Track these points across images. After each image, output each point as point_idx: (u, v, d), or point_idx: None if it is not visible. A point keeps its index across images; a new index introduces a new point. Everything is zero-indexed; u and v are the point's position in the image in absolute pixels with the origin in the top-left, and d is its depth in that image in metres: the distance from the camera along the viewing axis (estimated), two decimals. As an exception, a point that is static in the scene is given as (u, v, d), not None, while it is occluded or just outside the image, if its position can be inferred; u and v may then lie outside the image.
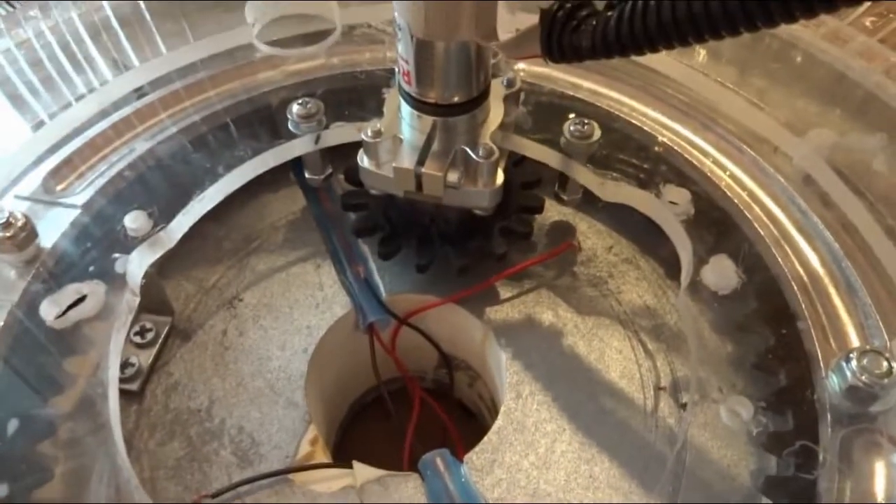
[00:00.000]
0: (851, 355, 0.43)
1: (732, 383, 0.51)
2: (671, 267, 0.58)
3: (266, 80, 0.63)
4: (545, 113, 0.62)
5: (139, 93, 0.63)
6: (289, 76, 0.64)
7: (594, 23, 0.39)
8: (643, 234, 0.61)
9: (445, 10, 0.45)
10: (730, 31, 0.32)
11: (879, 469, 0.42)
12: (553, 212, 0.64)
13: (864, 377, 0.43)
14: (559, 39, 0.41)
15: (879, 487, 0.41)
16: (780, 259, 0.51)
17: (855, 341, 0.47)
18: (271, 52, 0.64)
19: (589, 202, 0.62)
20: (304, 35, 0.66)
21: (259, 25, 0.65)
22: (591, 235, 0.63)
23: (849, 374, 0.43)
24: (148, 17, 0.67)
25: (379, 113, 0.55)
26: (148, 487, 0.47)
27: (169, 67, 0.62)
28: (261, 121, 0.62)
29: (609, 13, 0.38)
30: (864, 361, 0.43)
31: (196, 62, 0.64)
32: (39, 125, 0.59)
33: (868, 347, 0.44)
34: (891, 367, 0.42)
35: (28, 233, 0.49)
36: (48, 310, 0.48)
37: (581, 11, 0.40)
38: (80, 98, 0.61)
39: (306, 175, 0.63)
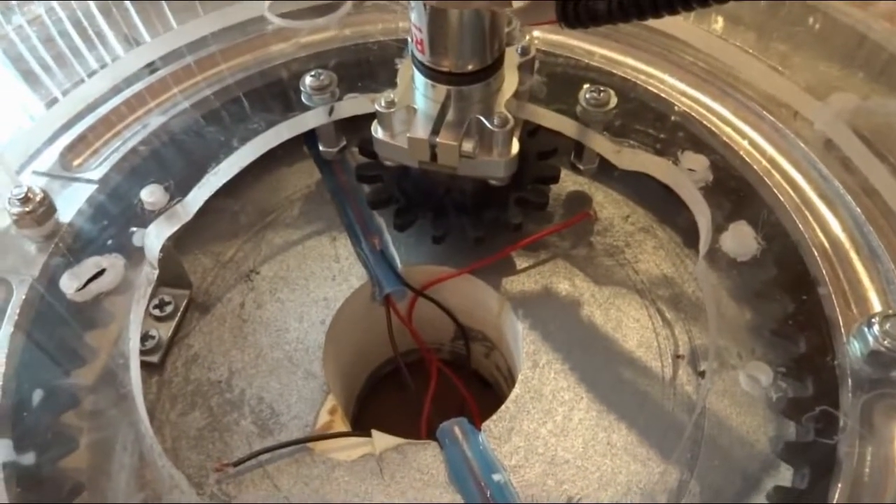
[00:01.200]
0: (873, 320, 0.43)
1: (751, 350, 0.50)
2: (689, 235, 0.58)
3: (278, 53, 0.63)
4: (560, 82, 0.61)
5: (151, 68, 0.63)
6: (301, 48, 0.64)
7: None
8: (660, 202, 0.60)
9: (459, -25, 0.44)
10: None
11: (901, 434, 0.41)
12: (569, 182, 0.63)
13: (886, 342, 0.42)
14: (574, 4, 0.40)
15: (901, 451, 0.41)
16: (800, 225, 0.50)
17: (877, 306, 0.46)
18: (283, 24, 0.63)
19: (605, 171, 0.61)
20: (316, 7, 0.66)
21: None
22: (608, 205, 0.62)
23: (870, 339, 0.43)
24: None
25: (392, 84, 0.54)
26: (171, 456, 0.48)
27: (180, 42, 0.62)
28: (273, 94, 0.62)
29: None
30: (887, 326, 0.42)
31: (207, 36, 0.63)
32: (53, 102, 0.59)
33: (890, 312, 0.43)
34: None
35: (46, 208, 0.49)
36: (68, 283, 0.48)
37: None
38: (92, 74, 0.61)
39: (320, 148, 0.63)
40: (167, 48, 0.62)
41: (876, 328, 0.43)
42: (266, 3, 0.64)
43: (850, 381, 0.43)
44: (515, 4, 0.46)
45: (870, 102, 0.55)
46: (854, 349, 0.44)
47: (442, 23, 0.47)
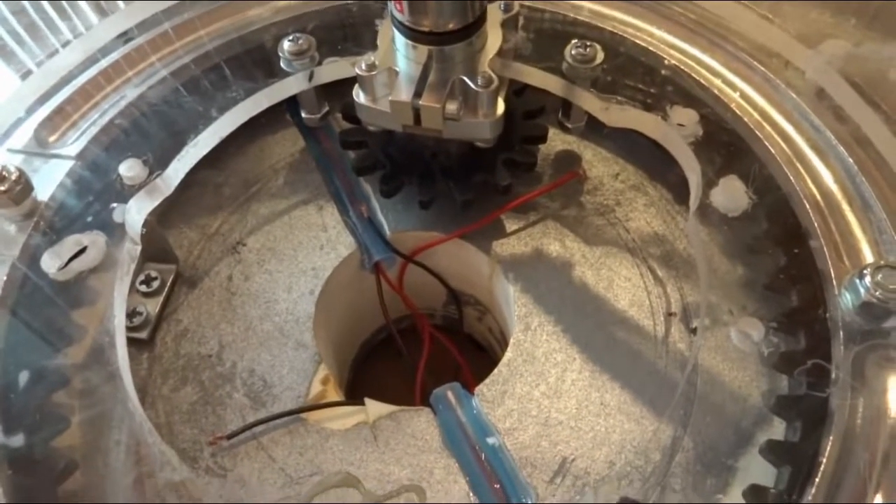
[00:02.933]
0: (865, 271, 0.43)
1: (743, 305, 0.50)
2: (680, 192, 0.57)
3: (257, 17, 0.61)
4: (546, 38, 0.59)
5: (126, 37, 0.61)
6: (279, 12, 0.62)
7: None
8: (651, 159, 0.59)
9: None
10: None
11: (893, 385, 0.41)
12: (557, 141, 0.62)
13: (878, 293, 0.42)
14: None
15: (893, 403, 0.41)
16: (791, 177, 0.49)
17: (869, 257, 0.46)
18: (259, -12, 0.62)
19: (594, 129, 0.60)
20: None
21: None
22: (597, 163, 0.61)
23: (862, 290, 0.42)
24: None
25: (374, 46, 0.53)
26: (164, 431, 0.48)
27: (155, 8, 0.60)
28: (254, 60, 0.60)
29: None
30: (879, 277, 0.42)
31: (184, 1, 0.61)
32: (27, 75, 0.57)
33: (882, 263, 0.43)
34: (907, 282, 0.41)
35: (23, 186, 0.48)
36: (50, 262, 0.47)
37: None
38: (66, 45, 0.59)
39: (303, 115, 0.61)
40: (143, 15, 0.60)
41: (868, 279, 0.42)
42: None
43: (841, 333, 0.43)
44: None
45: (862, 49, 0.53)
46: (846, 301, 0.43)
47: (421, -21, 0.46)
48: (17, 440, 0.41)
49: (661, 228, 0.57)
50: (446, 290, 0.63)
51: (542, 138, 0.58)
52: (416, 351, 0.61)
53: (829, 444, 0.40)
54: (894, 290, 0.41)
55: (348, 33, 0.62)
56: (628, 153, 0.61)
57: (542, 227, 0.58)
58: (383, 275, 0.59)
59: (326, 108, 0.62)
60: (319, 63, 0.57)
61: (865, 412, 0.40)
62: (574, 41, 0.56)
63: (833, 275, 0.45)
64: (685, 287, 0.54)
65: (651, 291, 0.54)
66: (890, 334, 0.42)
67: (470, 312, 0.67)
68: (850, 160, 0.50)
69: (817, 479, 0.39)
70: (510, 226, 0.58)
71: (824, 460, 0.39)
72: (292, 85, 0.57)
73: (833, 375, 0.42)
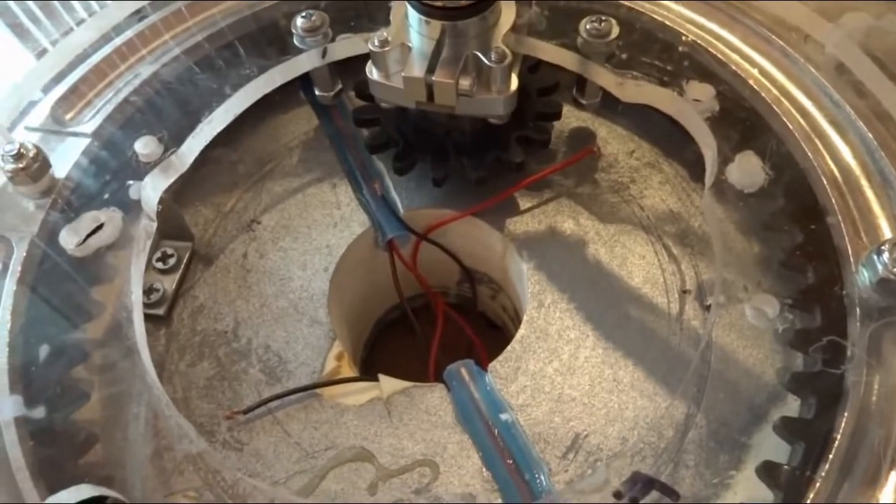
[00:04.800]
0: (883, 248, 0.42)
1: (758, 282, 0.50)
2: (696, 169, 0.57)
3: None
4: (560, 13, 0.59)
5: (140, 15, 0.61)
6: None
7: None
8: (666, 136, 0.59)
9: None
10: None
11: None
12: (571, 118, 0.62)
13: (895, 269, 0.41)
14: None
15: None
16: (809, 153, 0.49)
17: (888, 233, 0.45)
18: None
19: (609, 106, 0.60)
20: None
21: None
22: (612, 140, 0.61)
23: (880, 266, 0.42)
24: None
25: (387, 23, 0.52)
26: (182, 406, 0.49)
27: (169, -15, 0.60)
28: (267, 37, 0.60)
29: None
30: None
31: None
32: (42, 53, 0.58)
33: (901, 238, 0.42)
34: (924, 258, 0.41)
35: (41, 163, 0.49)
36: (68, 238, 0.48)
37: None
38: (80, 23, 0.59)
39: (316, 93, 0.61)
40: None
41: (886, 255, 0.42)
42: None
43: (858, 310, 0.43)
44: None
45: (883, 21, 0.52)
46: (863, 278, 0.43)
47: (433, -47, 0.45)
48: (39, 412, 0.42)
49: (675, 206, 0.57)
50: (459, 268, 0.63)
51: (557, 115, 0.58)
52: (430, 329, 0.62)
53: (844, 421, 0.40)
54: (913, 267, 0.41)
55: (361, 9, 0.62)
56: (643, 130, 0.61)
57: (555, 205, 0.58)
58: (397, 252, 0.60)
59: (340, 86, 0.62)
60: (332, 40, 0.57)
61: (881, 389, 0.40)
62: (589, 16, 0.55)
63: (850, 251, 0.45)
64: (700, 265, 0.54)
65: (665, 269, 0.54)
66: (907, 311, 0.42)
67: (483, 290, 0.68)
68: (870, 136, 0.49)
69: (831, 456, 0.39)
70: (524, 203, 0.58)
71: (839, 437, 0.39)
72: (305, 62, 0.57)
73: (849, 353, 0.42)
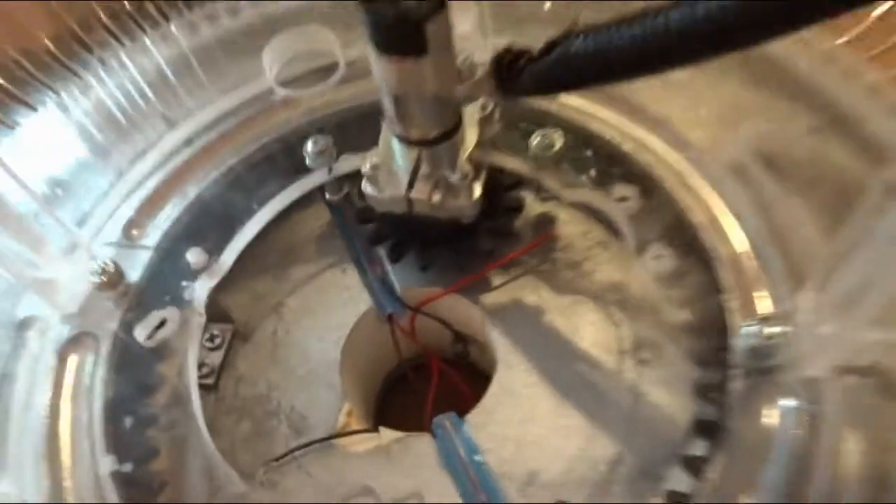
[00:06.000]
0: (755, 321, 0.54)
1: (678, 344, 0.62)
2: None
3: (285, 120, 0.76)
4: (513, 127, 0.72)
5: (187, 138, 0.76)
6: (304, 114, 0.76)
7: (535, 66, 0.50)
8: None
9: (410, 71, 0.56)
10: None
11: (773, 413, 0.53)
12: (536, 206, 0.75)
13: (764, 338, 0.53)
14: (508, 81, 0.52)
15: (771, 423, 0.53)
16: (709, 241, 0.61)
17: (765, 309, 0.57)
18: (288, 94, 0.76)
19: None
20: (313, 71, 0.78)
21: (275, 68, 0.78)
22: (569, 223, 0.74)
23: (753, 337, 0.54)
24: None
25: (376, 142, 0.66)
26: (228, 457, 0.63)
27: (208, 119, 0.76)
28: (286, 157, 0.75)
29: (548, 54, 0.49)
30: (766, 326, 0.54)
31: (230, 110, 0.77)
32: (118, 177, 0.74)
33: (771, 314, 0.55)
34: (783, 331, 0.53)
35: (118, 274, 0.64)
36: (140, 333, 0.63)
37: (522, 58, 0.52)
38: (141, 154, 0.75)
39: (327, 196, 0.76)
40: (199, 125, 0.76)
41: (759, 328, 0.54)
42: (271, 74, 0.77)
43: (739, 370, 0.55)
44: (459, 90, 0.59)
45: (773, 126, 0.65)
46: (745, 343, 0.55)
47: (405, 104, 0.59)
48: (127, 467, 0.57)
49: (619, 277, 0.69)
50: (451, 332, 0.77)
51: (520, 209, 0.71)
52: (428, 383, 0.75)
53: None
54: (772, 336, 0.53)
55: (364, 129, 0.76)
56: (595, 214, 0.73)
57: (522, 281, 0.71)
58: (396, 324, 0.73)
59: (346, 190, 0.76)
60: (336, 159, 0.72)
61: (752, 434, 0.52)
62: (538, 130, 0.69)
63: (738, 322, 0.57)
64: (637, 327, 0.66)
65: (609, 333, 0.67)
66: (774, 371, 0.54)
67: (474, 349, 0.81)
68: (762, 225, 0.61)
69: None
70: (495, 280, 0.71)
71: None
72: (316, 178, 0.72)
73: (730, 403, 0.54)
